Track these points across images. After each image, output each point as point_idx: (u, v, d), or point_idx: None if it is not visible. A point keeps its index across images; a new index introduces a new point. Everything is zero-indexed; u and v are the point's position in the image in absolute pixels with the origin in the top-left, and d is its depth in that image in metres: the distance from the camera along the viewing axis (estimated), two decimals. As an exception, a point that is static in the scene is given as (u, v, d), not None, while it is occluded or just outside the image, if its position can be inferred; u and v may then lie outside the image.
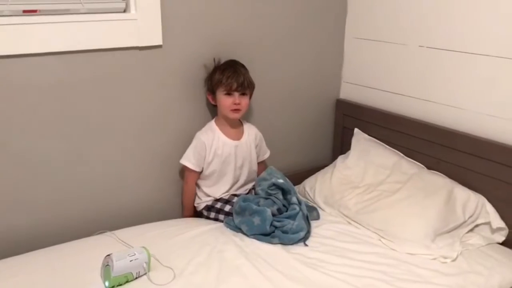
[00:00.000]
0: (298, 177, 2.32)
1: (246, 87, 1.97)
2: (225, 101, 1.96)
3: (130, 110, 1.94)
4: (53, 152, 1.82)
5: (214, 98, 2.01)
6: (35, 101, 1.74)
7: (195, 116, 2.10)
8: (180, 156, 2.02)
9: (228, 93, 1.95)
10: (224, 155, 2.01)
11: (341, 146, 2.49)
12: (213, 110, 2.11)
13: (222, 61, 2.04)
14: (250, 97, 2.04)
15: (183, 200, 2.11)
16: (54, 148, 1.82)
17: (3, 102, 1.68)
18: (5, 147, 1.73)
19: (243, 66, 2.02)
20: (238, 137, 2.05)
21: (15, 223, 1.80)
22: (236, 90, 1.95)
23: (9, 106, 1.70)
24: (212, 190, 2.05)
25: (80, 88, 1.81)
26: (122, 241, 1.73)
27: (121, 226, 1.87)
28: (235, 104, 1.96)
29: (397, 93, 2.26)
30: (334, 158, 2.39)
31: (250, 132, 2.10)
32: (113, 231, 1.81)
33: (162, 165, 2.07)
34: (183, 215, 2.12)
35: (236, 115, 1.99)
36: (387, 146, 2.21)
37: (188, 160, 2.00)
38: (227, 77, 1.94)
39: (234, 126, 2.05)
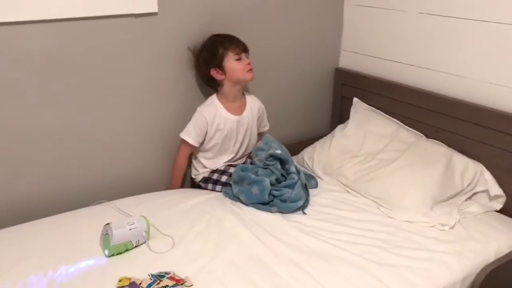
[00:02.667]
0: (297, 146, 2.32)
1: (247, 47, 1.99)
2: (239, 65, 1.95)
3: (127, 79, 1.91)
4: (51, 122, 1.80)
5: (221, 71, 1.97)
6: (31, 70, 1.71)
7: (194, 87, 2.08)
8: (179, 127, 2.00)
9: (239, 58, 1.95)
10: (226, 129, 1.99)
11: (340, 115, 2.47)
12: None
13: (199, 46, 2.00)
14: None
15: (173, 172, 2.09)
16: (52, 118, 1.79)
17: (-1, 71, 1.66)
18: (3, 117, 1.71)
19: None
20: (240, 111, 2.04)
21: (14, 193, 1.80)
22: (244, 51, 1.96)
23: (5, 75, 1.67)
24: (210, 163, 2.05)
25: (76, 57, 1.78)
26: (121, 210, 1.73)
27: (120, 196, 1.87)
28: (248, 64, 1.96)
29: (396, 61, 2.24)
30: (332, 127, 2.38)
31: (253, 105, 2.08)
32: (112, 201, 1.81)
33: (161, 136, 2.05)
34: (167, 187, 2.09)
35: (252, 74, 1.98)
36: (386, 115, 2.19)
37: (188, 135, 1.98)
38: (231, 43, 1.95)
39: (237, 99, 2.03)
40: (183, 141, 2.00)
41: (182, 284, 1.38)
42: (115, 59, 1.87)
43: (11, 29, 1.63)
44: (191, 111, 2.01)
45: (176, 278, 1.40)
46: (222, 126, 1.99)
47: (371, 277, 1.46)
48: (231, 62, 1.94)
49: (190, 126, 1.98)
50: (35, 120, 1.76)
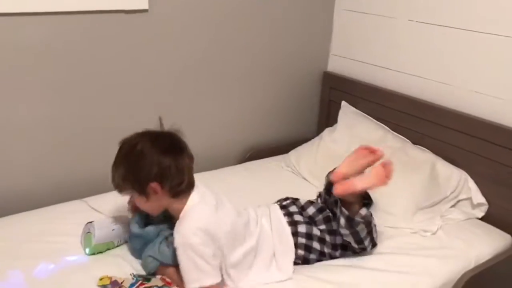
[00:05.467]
0: (283, 149, 2.33)
1: (116, 187, 1.42)
2: None
3: (116, 76, 1.90)
4: (34, 116, 1.78)
5: None
6: (18, 63, 1.69)
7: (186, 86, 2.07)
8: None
9: None
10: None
11: (327, 119, 2.48)
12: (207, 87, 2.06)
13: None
14: (143, 194, 1.40)
15: None
16: (35, 112, 1.78)
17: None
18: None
19: (123, 155, 1.42)
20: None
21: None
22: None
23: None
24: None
25: (66, 51, 1.77)
26: (94, 209, 1.72)
27: (97, 193, 1.84)
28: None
29: (385, 67, 2.25)
30: (319, 131, 2.38)
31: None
32: (90, 197, 1.80)
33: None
34: None
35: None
36: (373, 120, 2.21)
37: None
38: None
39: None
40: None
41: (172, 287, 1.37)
42: (105, 54, 1.85)
43: (4, 20, 1.61)
44: (181, 111, 2.00)
45: (167, 280, 1.38)
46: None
47: (355, 282, 1.47)
48: None
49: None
50: (16, 114, 1.74)
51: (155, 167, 1.35)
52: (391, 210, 1.81)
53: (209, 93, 2.18)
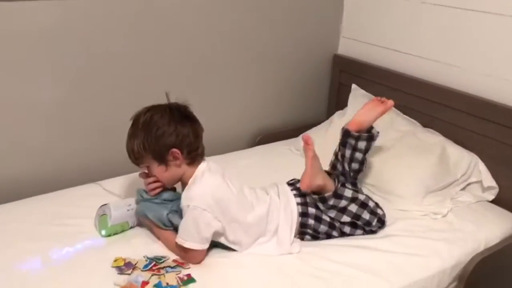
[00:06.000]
0: (293, 133, 2.33)
1: (136, 157, 1.48)
2: None
3: (128, 60, 1.91)
4: (48, 99, 1.80)
5: None
6: (28, 46, 1.70)
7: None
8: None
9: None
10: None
11: (337, 103, 2.48)
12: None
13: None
14: (163, 163, 1.46)
15: None
16: (48, 95, 1.80)
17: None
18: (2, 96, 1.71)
19: (139, 125, 1.46)
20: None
21: (9, 171, 1.80)
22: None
23: (1, 51, 1.66)
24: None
25: (78, 32, 1.78)
26: (108, 191, 1.74)
27: (110, 176, 1.87)
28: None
29: (395, 50, 2.24)
30: (329, 114, 2.38)
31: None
32: (106, 180, 1.82)
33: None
34: None
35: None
36: (383, 103, 2.20)
37: None
38: None
39: None
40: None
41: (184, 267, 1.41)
42: (118, 36, 1.86)
43: (8, 5, 1.62)
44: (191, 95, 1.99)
45: (179, 261, 1.43)
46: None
47: (363, 263, 1.49)
48: None
49: None
50: (31, 96, 1.76)
51: (174, 134, 1.43)
52: (401, 193, 1.82)
53: (219, 77, 2.19)
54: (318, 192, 1.59)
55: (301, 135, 2.26)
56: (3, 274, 1.34)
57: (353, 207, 1.58)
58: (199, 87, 2.13)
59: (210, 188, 1.45)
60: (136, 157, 1.47)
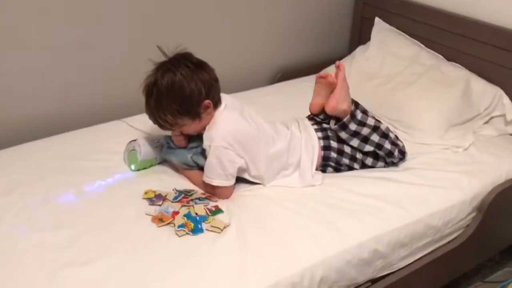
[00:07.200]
0: (314, 69, 2.30)
1: (172, 126, 1.48)
2: None
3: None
4: (72, 38, 1.81)
5: None
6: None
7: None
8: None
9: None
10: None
11: (359, 37, 2.43)
12: None
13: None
14: (197, 117, 1.46)
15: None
16: (73, 34, 1.80)
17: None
18: (26, 35, 1.72)
19: (157, 92, 1.43)
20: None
21: (37, 109, 1.85)
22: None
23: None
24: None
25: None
26: (134, 127, 1.77)
27: (134, 114, 1.88)
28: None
29: (420, -19, 2.16)
30: (351, 49, 2.35)
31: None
32: (127, 117, 1.85)
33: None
34: None
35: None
36: (407, 37, 2.16)
37: None
38: None
39: None
40: None
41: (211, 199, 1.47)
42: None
43: None
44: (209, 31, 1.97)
45: (207, 194, 1.48)
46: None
47: (384, 194, 1.53)
48: None
49: None
50: (56, 37, 1.77)
51: (200, 86, 1.41)
52: (423, 127, 1.82)
53: (237, 12, 2.14)
54: (338, 118, 1.59)
55: (322, 71, 2.25)
56: (41, 206, 1.41)
57: (375, 137, 1.59)
58: (217, 23, 2.09)
59: (229, 126, 1.47)
60: (171, 125, 1.46)
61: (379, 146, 1.60)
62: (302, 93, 2.15)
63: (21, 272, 1.20)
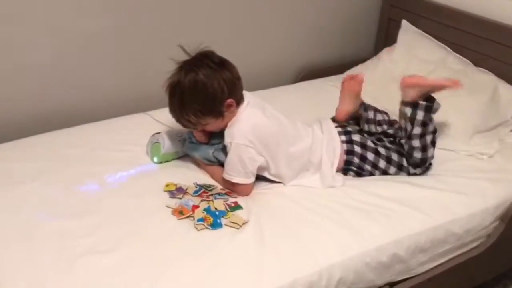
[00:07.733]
0: (338, 69, 2.30)
1: (195, 125, 1.48)
2: None
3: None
4: (103, 29, 1.83)
5: None
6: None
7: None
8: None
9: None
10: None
11: (385, 38, 2.41)
12: None
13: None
14: (220, 116, 1.46)
15: None
16: (104, 25, 1.82)
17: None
18: (57, 25, 1.74)
19: (180, 91, 1.43)
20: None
21: (66, 99, 1.87)
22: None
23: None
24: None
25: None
26: (158, 121, 1.78)
27: (158, 107, 1.88)
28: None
29: (450, -16, 2.13)
30: (377, 51, 2.33)
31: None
32: (151, 111, 1.87)
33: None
34: None
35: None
36: (434, 40, 2.13)
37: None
38: None
39: None
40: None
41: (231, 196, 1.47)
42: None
43: None
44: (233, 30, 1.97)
45: (226, 190, 1.49)
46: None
47: (405, 198, 1.51)
48: None
49: None
50: (87, 27, 1.79)
51: (222, 85, 1.41)
52: (448, 132, 1.80)
53: (261, 10, 2.14)
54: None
55: (346, 72, 2.24)
56: (63, 194, 1.43)
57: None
58: (241, 21, 2.09)
59: (251, 124, 1.46)
60: (195, 125, 1.46)
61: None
62: (325, 92, 2.16)
63: (41, 258, 1.21)
